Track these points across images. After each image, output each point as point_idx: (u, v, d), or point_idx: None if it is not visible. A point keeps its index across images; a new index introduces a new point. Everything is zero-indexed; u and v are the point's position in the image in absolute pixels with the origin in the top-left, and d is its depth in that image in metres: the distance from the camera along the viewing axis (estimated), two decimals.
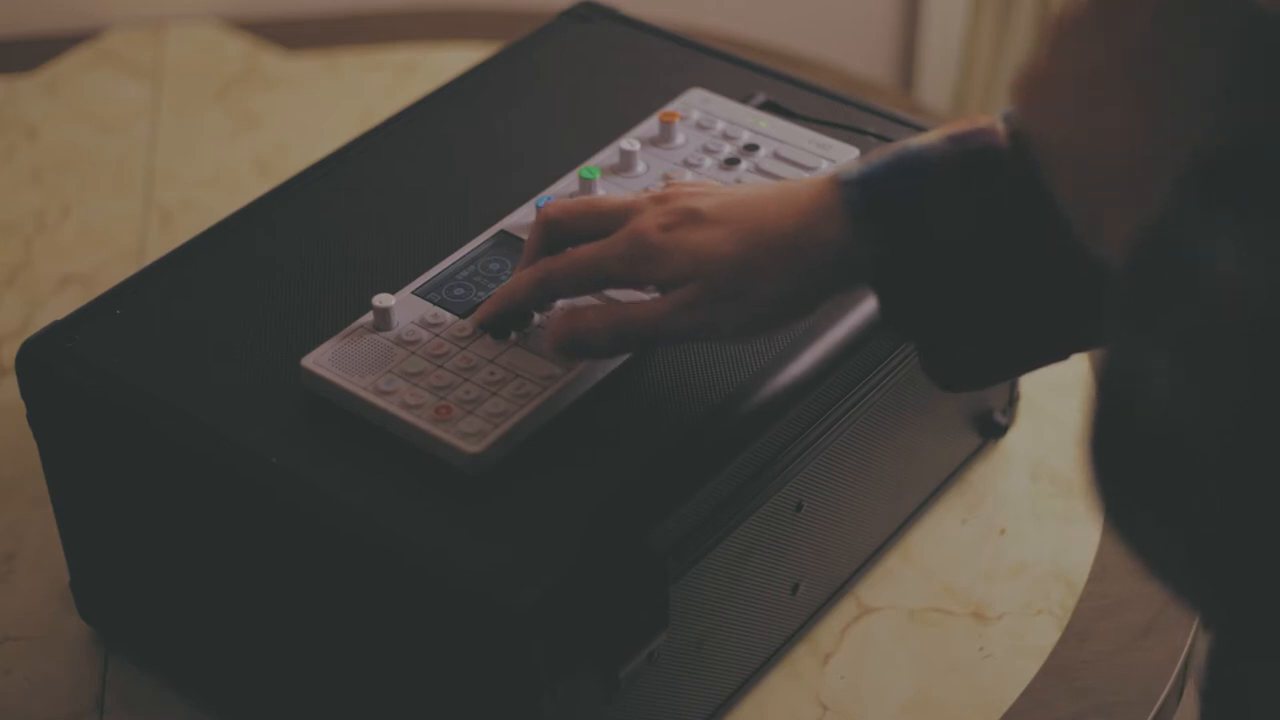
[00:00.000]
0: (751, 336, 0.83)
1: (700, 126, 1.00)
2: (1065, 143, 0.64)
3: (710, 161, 0.97)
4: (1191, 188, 0.56)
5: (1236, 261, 0.53)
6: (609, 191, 0.95)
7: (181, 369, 0.87)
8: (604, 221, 0.83)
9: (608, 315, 0.82)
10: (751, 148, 0.98)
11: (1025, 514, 1.05)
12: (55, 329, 0.90)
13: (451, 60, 1.44)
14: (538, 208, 0.87)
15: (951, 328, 0.79)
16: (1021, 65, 0.66)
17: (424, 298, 0.89)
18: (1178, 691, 0.96)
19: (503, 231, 0.93)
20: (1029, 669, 0.96)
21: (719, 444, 0.84)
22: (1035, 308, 0.77)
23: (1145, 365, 0.55)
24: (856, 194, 0.78)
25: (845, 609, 0.99)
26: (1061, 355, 0.80)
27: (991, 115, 0.80)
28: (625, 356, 0.87)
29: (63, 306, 1.08)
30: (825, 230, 0.78)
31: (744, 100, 1.03)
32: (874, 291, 0.80)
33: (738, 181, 0.96)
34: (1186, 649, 0.97)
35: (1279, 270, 0.52)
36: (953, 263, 0.77)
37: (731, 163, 0.97)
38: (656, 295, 0.82)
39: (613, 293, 0.86)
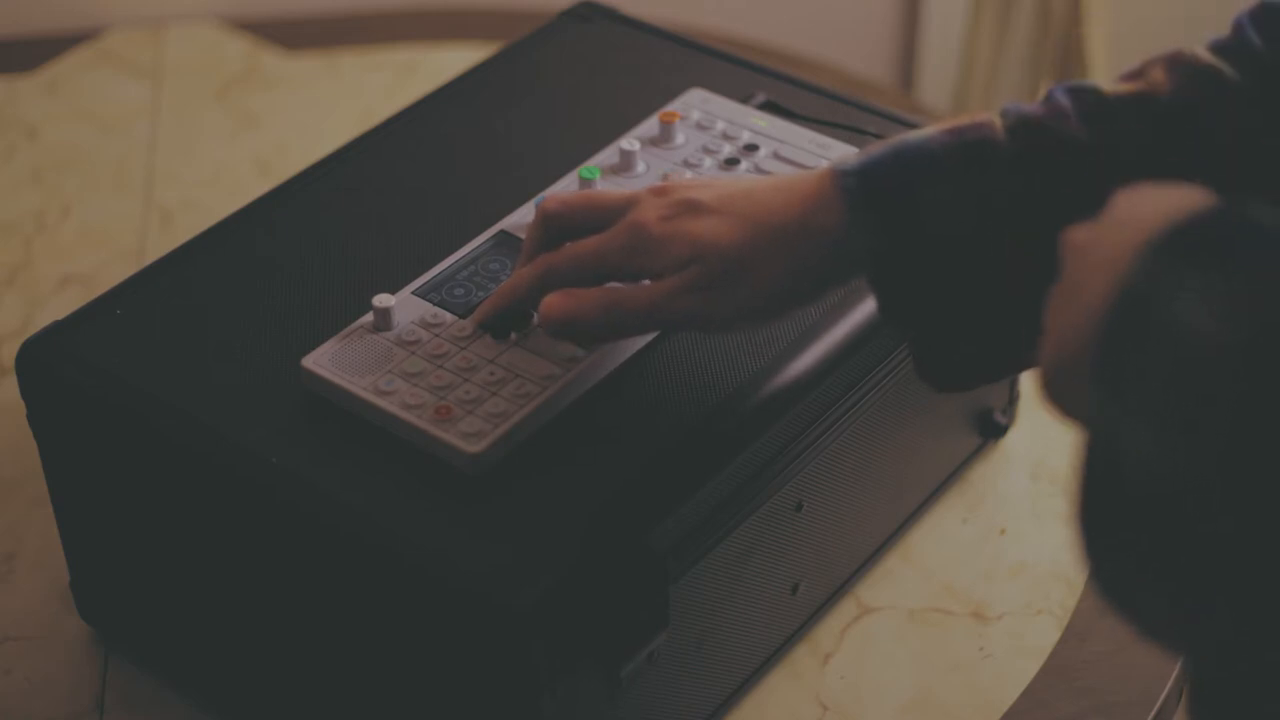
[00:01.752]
0: (746, 327, 0.83)
1: (700, 126, 1.00)
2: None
3: (710, 161, 0.97)
4: (1162, 253, 0.58)
5: (1211, 315, 0.55)
6: (605, 188, 0.95)
7: (181, 369, 0.87)
8: (603, 215, 0.83)
9: (603, 298, 0.81)
10: (751, 148, 0.98)
11: (1025, 514, 1.05)
12: (55, 329, 0.90)
13: (451, 60, 1.44)
14: (538, 207, 0.87)
15: (947, 322, 0.79)
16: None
17: (424, 298, 0.89)
18: (1178, 691, 0.96)
19: (503, 231, 0.93)
20: (1029, 669, 0.96)
21: (719, 444, 0.84)
22: (1031, 303, 0.77)
23: (1126, 430, 0.57)
24: (854, 184, 0.78)
25: (845, 609, 0.99)
26: None
27: (990, 112, 0.80)
28: (626, 355, 0.87)
29: (63, 306, 1.08)
30: (823, 220, 0.78)
31: (744, 100, 1.03)
32: (870, 283, 0.80)
33: None
34: None
35: (1253, 321, 0.54)
36: (948, 255, 0.77)
37: (731, 163, 0.97)
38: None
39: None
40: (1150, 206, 0.62)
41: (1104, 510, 0.59)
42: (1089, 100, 0.79)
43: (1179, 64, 0.79)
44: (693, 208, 0.81)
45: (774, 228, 0.79)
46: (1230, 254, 0.57)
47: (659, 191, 0.82)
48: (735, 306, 0.80)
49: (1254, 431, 0.54)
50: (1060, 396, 0.64)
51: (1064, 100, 0.79)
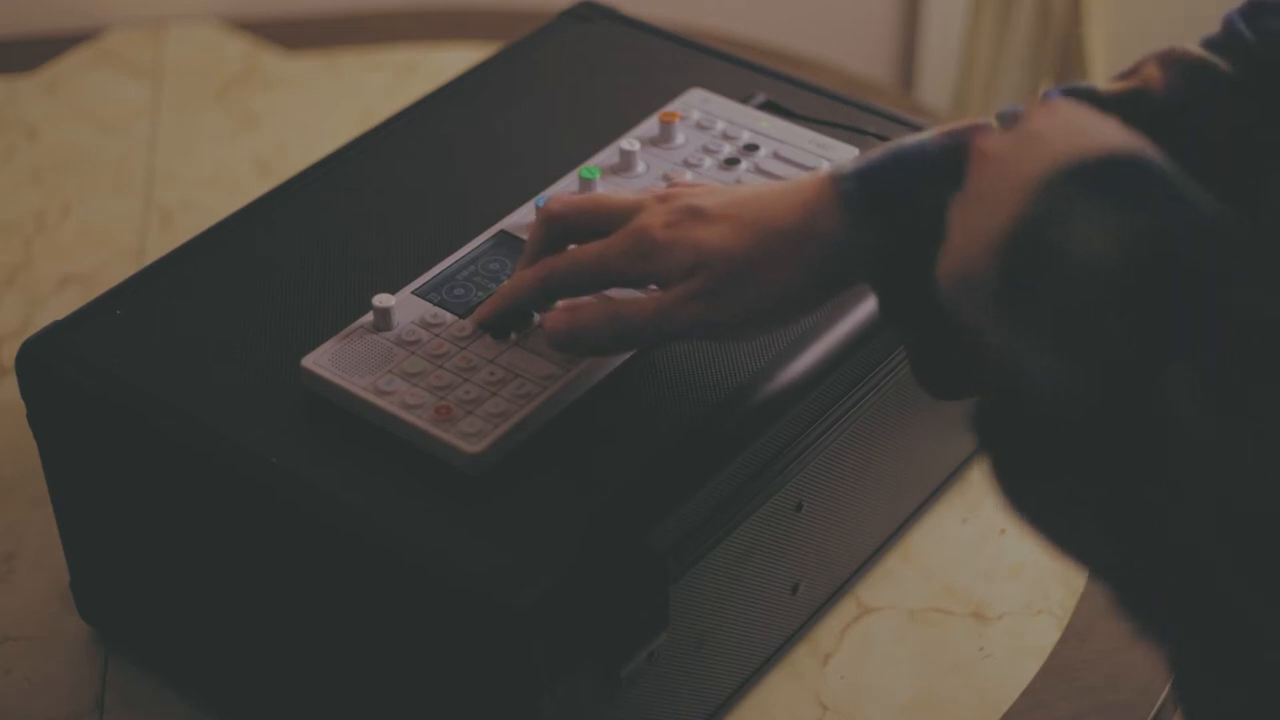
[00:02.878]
0: (750, 334, 0.83)
1: (700, 126, 1.00)
2: None
3: (710, 161, 0.97)
4: (1063, 186, 0.62)
5: (1099, 244, 0.60)
6: (609, 191, 0.95)
7: (181, 369, 0.87)
8: (607, 220, 0.83)
9: (606, 310, 0.81)
10: (751, 148, 0.98)
11: None
12: (55, 329, 0.90)
13: (451, 60, 1.44)
14: (538, 207, 0.87)
15: (948, 323, 0.79)
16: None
17: (424, 298, 0.89)
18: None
19: (503, 231, 0.93)
20: (1029, 669, 0.96)
21: (719, 444, 0.84)
22: None
23: (1021, 355, 0.62)
24: (853, 187, 0.78)
25: (845, 609, 0.99)
26: None
27: (987, 116, 0.80)
28: (625, 356, 0.87)
29: (63, 306, 1.08)
30: (824, 224, 0.79)
31: (744, 100, 1.03)
32: (871, 286, 0.80)
33: (738, 182, 0.96)
34: None
35: (1139, 248, 0.59)
36: None
37: (731, 163, 0.97)
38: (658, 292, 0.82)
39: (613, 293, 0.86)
40: (1064, 134, 0.65)
41: (1002, 431, 0.64)
42: (1085, 100, 0.79)
43: (1172, 60, 0.80)
44: (696, 214, 0.80)
45: (777, 232, 0.79)
46: (1129, 194, 0.61)
47: (662, 198, 0.82)
48: (741, 313, 0.80)
49: (1137, 360, 0.58)
50: (956, 303, 0.68)
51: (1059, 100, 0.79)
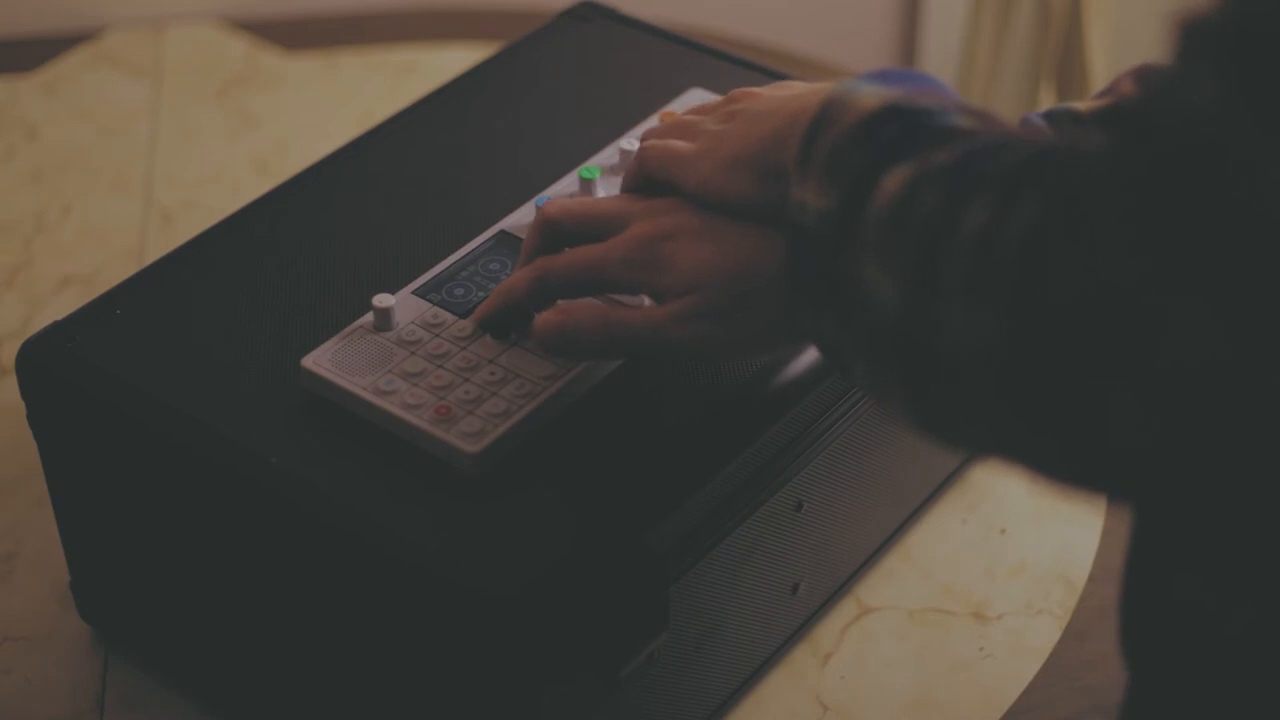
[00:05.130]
0: (744, 358, 0.83)
1: None
2: None
3: None
4: (952, 177, 0.64)
5: (985, 220, 0.61)
6: (609, 192, 0.95)
7: (181, 369, 0.87)
8: (604, 226, 0.83)
9: (600, 315, 0.81)
10: None
11: (1025, 514, 1.05)
12: (55, 329, 0.90)
13: (451, 60, 1.44)
14: (538, 208, 0.87)
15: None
16: None
17: (424, 298, 0.89)
18: None
19: (503, 231, 0.93)
20: (1029, 669, 0.96)
21: (719, 444, 0.84)
22: None
23: (936, 313, 0.63)
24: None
25: (845, 609, 0.99)
26: None
27: None
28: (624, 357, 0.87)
29: (63, 306, 1.08)
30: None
31: None
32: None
33: None
34: None
35: (1013, 227, 0.60)
36: None
37: None
38: (649, 303, 0.82)
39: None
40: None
41: (917, 366, 0.65)
42: (1063, 119, 0.79)
43: (1146, 75, 0.80)
44: (692, 231, 0.80)
45: (761, 266, 0.78)
46: (1002, 179, 0.63)
47: (660, 209, 0.82)
48: (733, 337, 0.79)
49: (1021, 322, 0.60)
50: (723, 181, 0.78)
51: (1039, 123, 0.80)
